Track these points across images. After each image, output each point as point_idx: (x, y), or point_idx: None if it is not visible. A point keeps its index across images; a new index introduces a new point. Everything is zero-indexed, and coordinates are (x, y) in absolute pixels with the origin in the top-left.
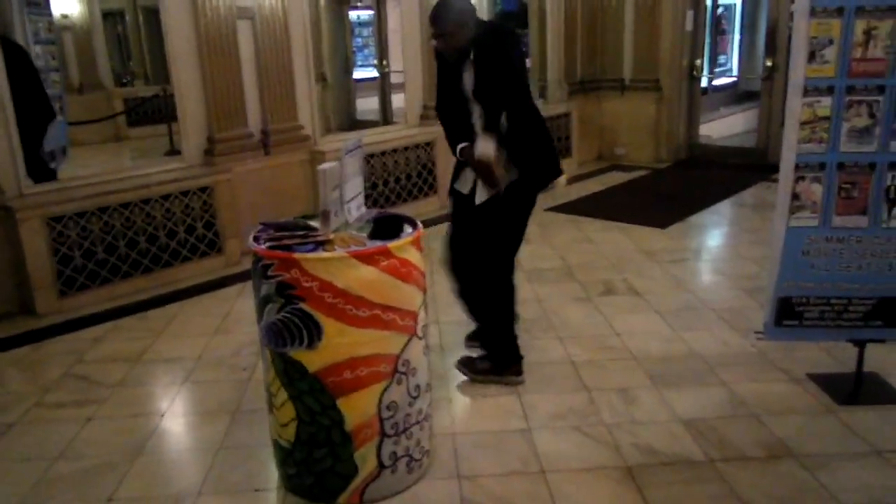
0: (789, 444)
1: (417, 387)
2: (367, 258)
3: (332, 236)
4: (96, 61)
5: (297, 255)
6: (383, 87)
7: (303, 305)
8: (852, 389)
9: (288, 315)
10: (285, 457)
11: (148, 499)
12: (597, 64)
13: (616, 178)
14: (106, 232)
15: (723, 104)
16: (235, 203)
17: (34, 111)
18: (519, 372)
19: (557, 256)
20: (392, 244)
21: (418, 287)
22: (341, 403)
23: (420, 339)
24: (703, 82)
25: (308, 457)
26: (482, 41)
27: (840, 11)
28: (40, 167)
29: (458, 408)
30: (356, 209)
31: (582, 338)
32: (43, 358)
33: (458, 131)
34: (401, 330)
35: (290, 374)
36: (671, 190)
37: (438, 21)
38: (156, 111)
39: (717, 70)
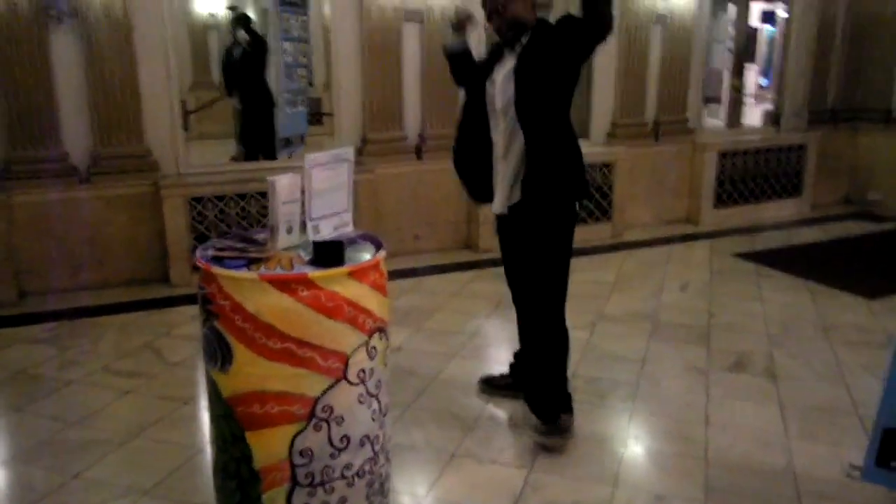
0: None
1: (346, 438)
2: (280, 284)
3: (271, 254)
4: None
5: (214, 270)
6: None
7: (216, 323)
8: None
9: (207, 331)
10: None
11: (104, 484)
12: (858, 89)
13: (854, 228)
14: (242, 216)
15: None
16: (377, 203)
17: (258, 98)
18: (561, 430)
19: (705, 312)
20: (313, 273)
21: (354, 326)
22: (250, 438)
23: (353, 385)
24: None
25: (222, 485)
26: (543, 27)
27: None
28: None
29: (451, 471)
30: (330, 228)
31: (659, 418)
32: (143, 325)
33: (475, 157)
34: (321, 371)
35: (211, 394)
36: None
37: None
38: None
39: None
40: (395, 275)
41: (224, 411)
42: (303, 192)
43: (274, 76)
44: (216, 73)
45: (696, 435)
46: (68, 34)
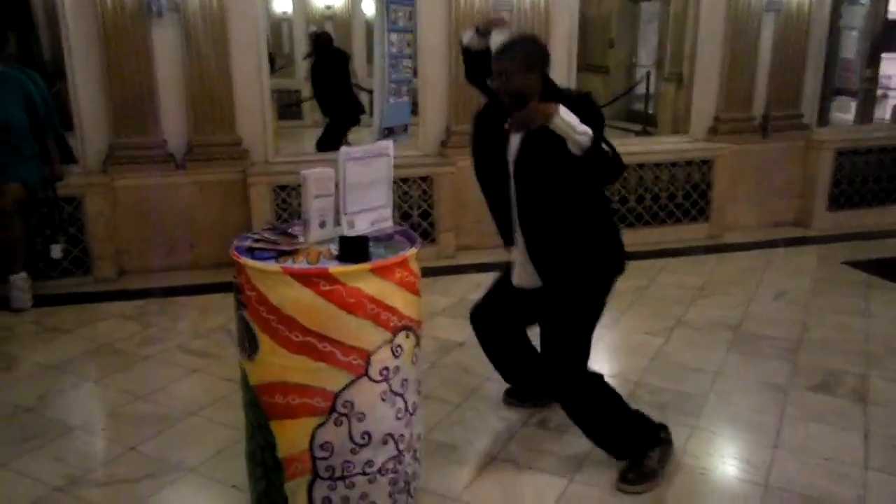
0: None
1: (366, 435)
2: (302, 278)
3: (300, 248)
4: None
5: (243, 260)
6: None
7: (244, 313)
8: None
9: (238, 319)
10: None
11: (155, 458)
12: None
13: None
14: None
15: None
16: (459, 196)
17: (340, 104)
18: (647, 472)
19: (798, 324)
20: (334, 268)
21: (377, 323)
22: (274, 427)
23: (375, 382)
24: None
25: (252, 472)
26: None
27: None
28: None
29: (487, 475)
30: (367, 223)
31: (722, 437)
32: (223, 307)
33: (499, 206)
34: (341, 366)
35: (242, 381)
36: None
37: (502, 55)
38: None
39: None
40: (471, 269)
41: (251, 399)
42: (337, 186)
43: (379, 67)
44: None
45: (759, 458)
46: (168, 28)
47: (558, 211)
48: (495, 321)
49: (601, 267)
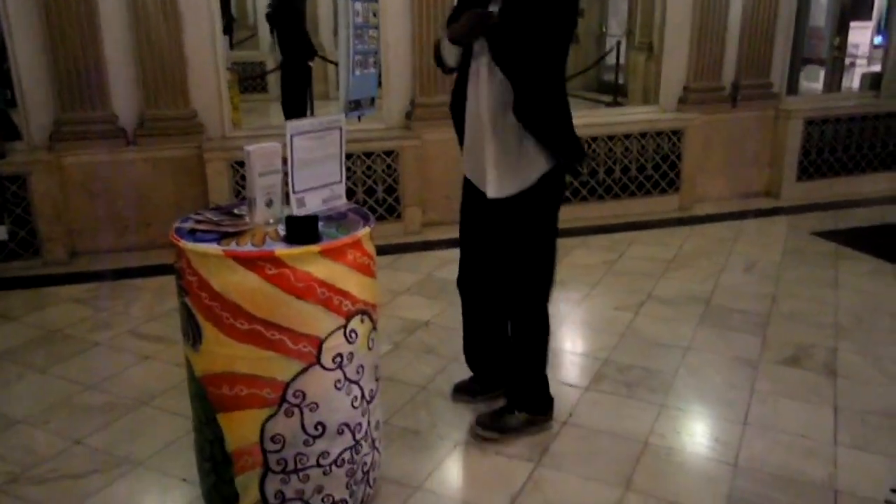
0: None
1: (320, 425)
2: (246, 261)
3: (246, 229)
4: None
5: (182, 244)
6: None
7: (186, 299)
8: None
9: (181, 307)
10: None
11: (102, 451)
12: None
13: None
14: (285, 182)
15: None
16: (424, 170)
17: (294, 40)
18: (550, 416)
19: (768, 297)
20: (281, 251)
21: (328, 308)
22: (221, 420)
23: (328, 370)
24: None
25: (201, 466)
26: None
27: None
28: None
29: (452, 460)
30: (318, 201)
31: (691, 415)
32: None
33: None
34: (291, 354)
35: (188, 372)
36: None
37: None
38: None
39: None
40: (438, 245)
41: (197, 391)
42: (285, 162)
43: (344, 38)
44: None
45: (729, 436)
46: None
47: (543, 72)
48: (481, 277)
49: (573, 152)
